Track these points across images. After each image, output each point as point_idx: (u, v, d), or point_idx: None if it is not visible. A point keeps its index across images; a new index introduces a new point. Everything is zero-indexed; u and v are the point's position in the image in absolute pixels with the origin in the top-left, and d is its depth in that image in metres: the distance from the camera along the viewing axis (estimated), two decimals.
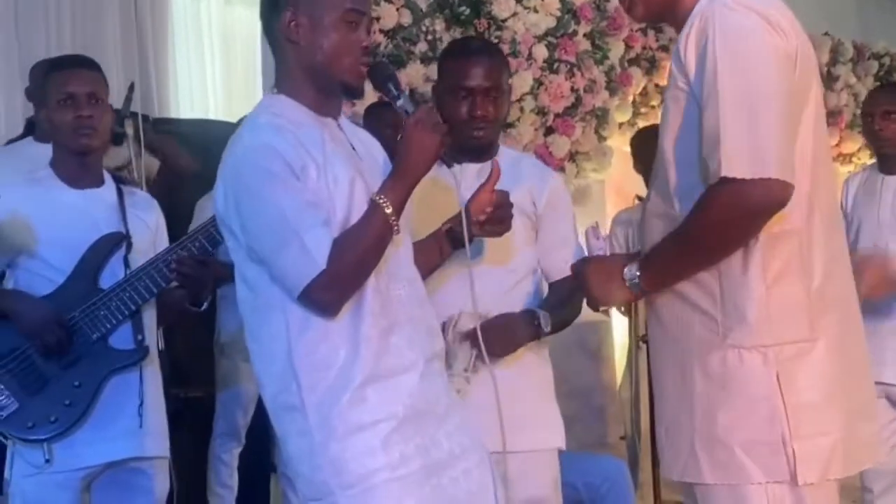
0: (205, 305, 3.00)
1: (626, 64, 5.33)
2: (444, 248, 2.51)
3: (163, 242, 3.08)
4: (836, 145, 6.99)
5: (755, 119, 1.94)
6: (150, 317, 2.98)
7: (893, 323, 3.64)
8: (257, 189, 2.10)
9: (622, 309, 4.65)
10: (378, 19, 4.63)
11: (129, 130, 3.89)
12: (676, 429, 2.13)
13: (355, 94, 2.26)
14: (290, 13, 2.18)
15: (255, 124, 2.19)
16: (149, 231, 3.06)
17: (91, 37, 5.42)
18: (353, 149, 2.27)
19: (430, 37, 4.68)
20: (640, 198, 4.41)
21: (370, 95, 3.63)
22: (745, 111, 1.94)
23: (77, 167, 2.97)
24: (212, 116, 6.02)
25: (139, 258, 2.95)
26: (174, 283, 2.94)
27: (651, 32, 5.30)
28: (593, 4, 5.03)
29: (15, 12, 5.07)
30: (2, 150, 4.07)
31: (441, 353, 2.31)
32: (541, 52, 4.83)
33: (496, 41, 4.69)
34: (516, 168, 2.76)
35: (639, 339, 4.59)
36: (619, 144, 5.50)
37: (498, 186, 2.44)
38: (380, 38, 4.67)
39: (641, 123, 5.69)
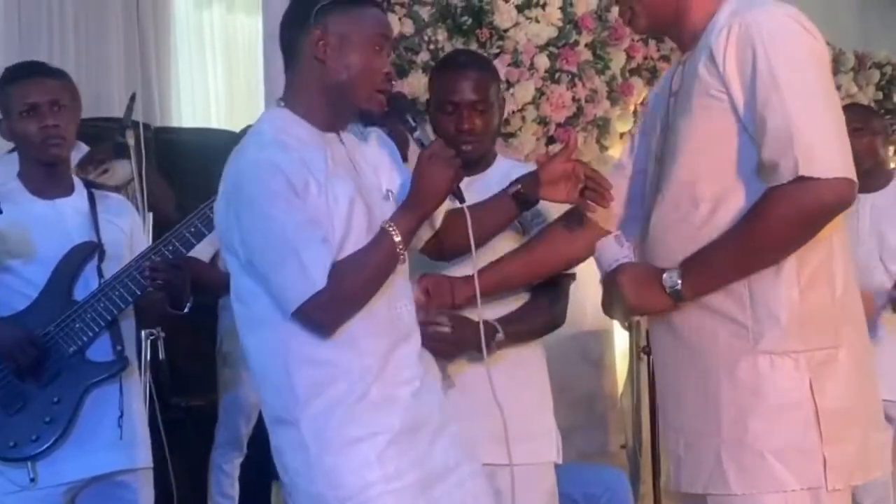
0: (187, 308, 2.94)
1: (627, 74, 5.31)
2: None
3: (140, 245, 3.02)
4: None
5: (822, 119, 1.97)
6: (128, 326, 2.94)
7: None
8: (259, 204, 2.11)
9: (625, 324, 4.62)
10: None
11: (131, 140, 3.88)
12: (699, 441, 2.11)
13: (372, 120, 2.27)
14: (320, 31, 2.17)
15: (259, 139, 2.19)
16: (123, 235, 3.00)
17: (94, 46, 5.45)
18: (353, 165, 2.27)
19: (432, 46, 4.67)
20: None
21: None
22: (812, 111, 1.97)
23: (45, 177, 2.91)
24: (214, 125, 6.05)
25: (115, 265, 2.89)
26: (150, 290, 2.86)
27: (652, 43, 5.28)
28: (595, 15, 5.02)
29: (18, 23, 5.09)
30: (3, 158, 4.09)
31: (437, 370, 2.32)
32: (542, 62, 4.82)
33: (498, 51, 4.69)
34: (508, 178, 2.75)
35: (640, 351, 4.59)
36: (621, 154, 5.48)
37: (490, 194, 2.48)
38: None
39: None
